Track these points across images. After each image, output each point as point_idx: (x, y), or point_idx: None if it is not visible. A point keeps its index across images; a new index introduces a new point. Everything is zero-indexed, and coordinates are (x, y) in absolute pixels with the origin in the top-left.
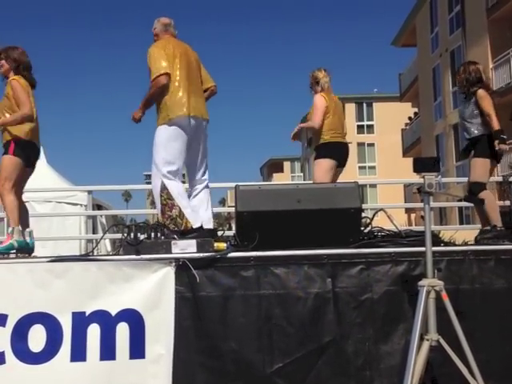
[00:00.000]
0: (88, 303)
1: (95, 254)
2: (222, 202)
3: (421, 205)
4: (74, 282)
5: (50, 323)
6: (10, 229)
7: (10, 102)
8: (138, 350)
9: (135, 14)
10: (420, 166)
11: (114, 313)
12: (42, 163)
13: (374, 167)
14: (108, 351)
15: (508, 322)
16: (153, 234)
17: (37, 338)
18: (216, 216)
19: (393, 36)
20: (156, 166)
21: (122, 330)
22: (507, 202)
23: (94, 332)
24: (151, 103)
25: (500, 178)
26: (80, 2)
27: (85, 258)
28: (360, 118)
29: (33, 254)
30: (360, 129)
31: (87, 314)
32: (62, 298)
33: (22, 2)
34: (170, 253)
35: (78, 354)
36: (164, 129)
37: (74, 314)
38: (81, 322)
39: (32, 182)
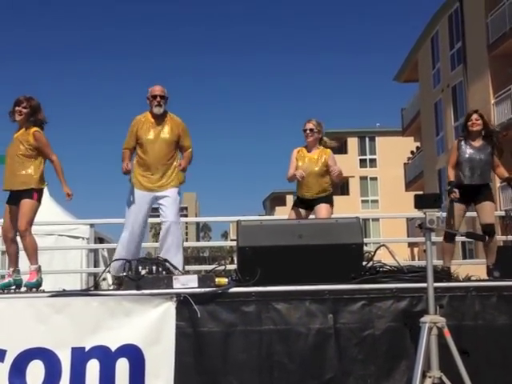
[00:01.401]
0: (88, 338)
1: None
2: (225, 235)
3: (423, 239)
4: (74, 316)
5: (49, 359)
6: (36, 266)
7: (27, 150)
8: None
9: (136, 48)
10: (421, 203)
11: (113, 348)
12: (44, 196)
13: (376, 201)
14: None
15: (511, 358)
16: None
17: (35, 373)
18: (218, 249)
19: (395, 71)
20: (176, 217)
21: (122, 366)
22: (510, 237)
23: (93, 368)
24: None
25: (502, 213)
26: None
27: (85, 292)
28: (363, 152)
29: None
30: (363, 163)
31: (87, 350)
32: (61, 334)
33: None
34: (171, 288)
35: None
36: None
37: (73, 349)
38: (80, 357)
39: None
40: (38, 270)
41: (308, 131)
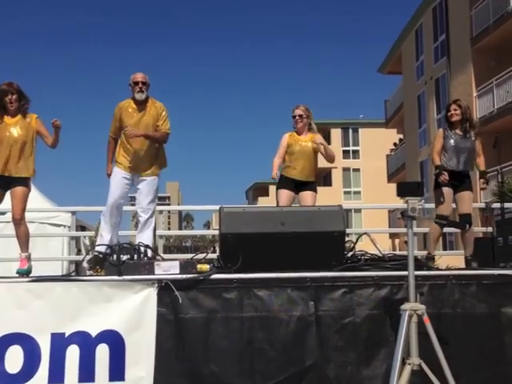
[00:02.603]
0: (68, 324)
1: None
2: (207, 225)
3: (404, 230)
4: (54, 302)
5: (28, 344)
6: (26, 254)
7: (29, 137)
8: (117, 372)
9: (118, 39)
10: (403, 191)
11: (94, 334)
12: None
13: (359, 192)
14: (87, 373)
15: (489, 346)
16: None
17: (14, 359)
18: (200, 239)
19: (379, 63)
20: (150, 205)
21: (102, 352)
22: (489, 229)
23: (73, 353)
24: (150, 139)
25: (483, 205)
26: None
27: (65, 278)
28: (346, 143)
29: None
30: (346, 154)
31: (67, 335)
32: (41, 319)
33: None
34: (153, 274)
35: (56, 376)
36: (157, 178)
37: (53, 334)
38: (60, 343)
39: None
40: (29, 257)
41: (297, 117)
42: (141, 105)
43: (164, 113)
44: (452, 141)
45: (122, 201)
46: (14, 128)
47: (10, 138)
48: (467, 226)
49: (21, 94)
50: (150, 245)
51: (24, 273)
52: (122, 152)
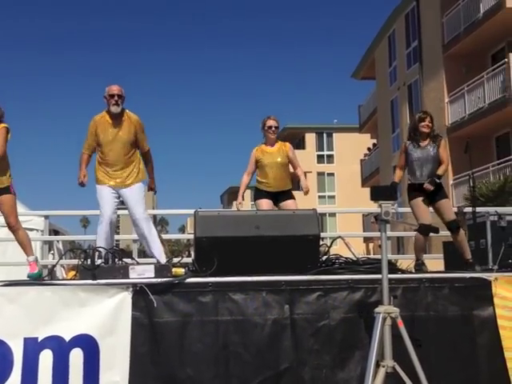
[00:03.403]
0: (41, 328)
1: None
2: (182, 229)
3: (378, 234)
4: (26, 306)
5: (1, 349)
6: (33, 257)
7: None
8: (91, 377)
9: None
10: (377, 194)
11: (67, 338)
12: None
13: (333, 197)
14: (61, 378)
15: (462, 348)
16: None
17: None
18: (175, 243)
19: (353, 68)
20: (145, 212)
21: (76, 356)
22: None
23: (46, 358)
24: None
25: (455, 210)
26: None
27: (39, 282)
28: (320, 147)
29: None
30: (320, 158)
31: (40, 340)
32: (14, 323)
33: None
34: (128, 278)
35: (29, 381)
36: (143, 185)
37: (26, 339)
38: (33, 347)
39: None
40: (37, 260)
41: (273, 128)
42: (116, 119)
43: (142, 129)
44: (416, 154)
45: (114, 216)
46: None
47: None
48: (439, 229)
49: None
50: (163, 254)
51: (36, 277)
52: (101, 168)
